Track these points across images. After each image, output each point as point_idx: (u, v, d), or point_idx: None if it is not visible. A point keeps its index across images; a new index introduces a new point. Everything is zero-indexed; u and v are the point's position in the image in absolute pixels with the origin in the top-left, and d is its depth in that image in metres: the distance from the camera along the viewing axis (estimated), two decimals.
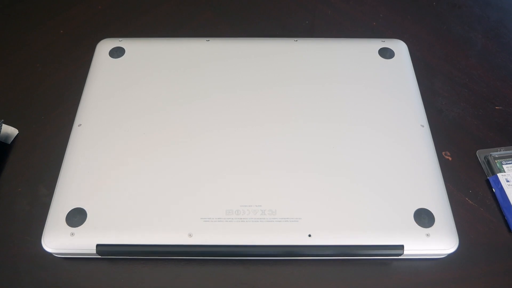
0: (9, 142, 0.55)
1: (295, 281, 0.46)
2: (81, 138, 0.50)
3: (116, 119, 0.52)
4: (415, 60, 0.60)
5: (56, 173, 0.49)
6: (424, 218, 0.45)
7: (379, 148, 0.50)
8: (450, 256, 0.46)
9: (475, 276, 0.47)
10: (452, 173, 0.53)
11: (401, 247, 0.44)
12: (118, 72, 0.56)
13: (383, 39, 0.60)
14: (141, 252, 0.45)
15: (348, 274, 0.46)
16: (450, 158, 0.55)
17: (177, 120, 0.52)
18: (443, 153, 0.55)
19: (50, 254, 0.45)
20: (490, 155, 0.54)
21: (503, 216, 0.50)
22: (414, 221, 0.45)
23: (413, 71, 0.58)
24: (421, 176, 0.48)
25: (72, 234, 0.44)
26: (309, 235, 0.44)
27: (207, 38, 0.60)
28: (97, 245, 0.44)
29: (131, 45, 0.59)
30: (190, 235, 0.44)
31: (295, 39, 0.60)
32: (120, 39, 0.60)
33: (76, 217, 0.45)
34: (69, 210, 0.45)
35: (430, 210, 0.46)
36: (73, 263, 0.47)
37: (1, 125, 0.54)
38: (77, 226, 0.45)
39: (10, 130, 0.56)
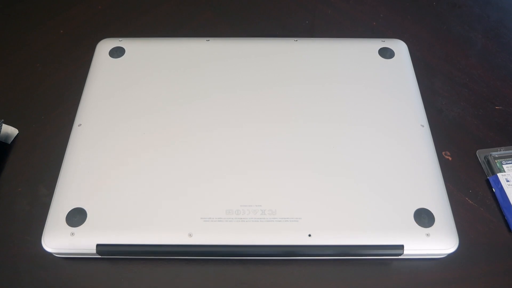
0: (9, 142, 0.55)
1: (295, 281, 0.46)
2: (81, 138, 0.50)
3: (116, 119, 0.52)
4: (415, 60, 0.60)
5: (56, 173, 0.49)
6: (424, 218, 0.45)
7: (379, 148, 0.50)
8: (450, 256, 0.46)
9: (475, 276, 0.47)
10: (452, 173, 0.53)
11: (401, 247, 0.44)
12: (118, 72, 0.56)
13: (383, 39, 0.60)
14: (141, 252, 0.45)
15: (348, 274, 0.46)
16: (450, 158, 0.55)
17: (177, 120, 0.52)
18: (443, 153, 0.55)
19: (50, 254, 0.45)
20: (490, 155, 0.54)
21: (503, 216, 0.50)
22: (414, 221, 0.45)
23: (413, 71, 0.58)
24: (421, 176, 0.48)
25: (72, 234, 0.44)
26: (309, 235, 0.44)
27: (207, 38, 0.60)
28: (97, 245, 0.44)
29: (131, 45, 0.59)
30: (190, 235, 0.44)
31: (295, 39, 0.60)
32: (120, 39, 0.60)
33: (76, 217, 0.45)
34: (69, 210, 0.45)
35: (430, 210, 0.46)
36: (73, 263, 0.47)
37: (1, 125, 0.54)
38: (77, 226, 0.45)
39: (10, 130, 0.56)
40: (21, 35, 0.66)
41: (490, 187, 0.52)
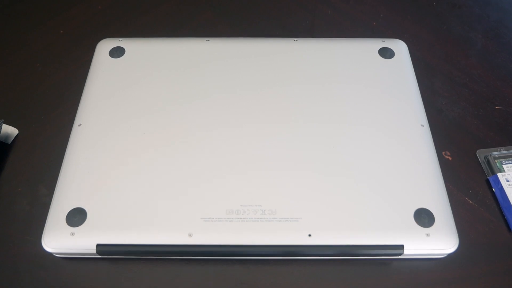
0: (9, 142, 0.55)
1: (295, 281, 0.46)
2: (81, 138, 0.50)
3: (116, 119, 0.52)
4: (415, 60, 0.60)
5: (56, 173, 0.49)
6: (424, 218, 0.45)
7: (379, 148, 0.50)
8: (450, 256, 0.46)
9: (475, 276, 0.47)
10: (452, 173, 0.53)
11: (401, 247, 0.44)
12: (118, 72, 0.56)
13: (383, 39, 0.60)
14: (141, 252, 0.45)
15: (348, 274, 0.46)
16: (450, 158, 0.55)
17: (177, 120, 0.52)
18: (443, 153, 0.55)
19: (50, 254, 0.45)
20: (490, 155, 0.54)
21: (503, 216, 0.50)
22: (414, 221, 0.45)
23: (413, 71, 0.58)
24: (421, 176, 0.48)
25: (72, 234, 0.44)
26: (309, 235, 0.44)
27: (207, 38, 0.60)
28: (97, 245, 0.44)
29: (131, 45, 0.59)
30: (190, 235, 0.44)
31: (295, 39, 0.60)
32: (120, 39, 0.60)
33: (76, 217, 0.45)
34: (69, 210, 0.45)
35: (430, 210, 0.46)
36: (73, 263, 0.47)
37: (1, 125, 0.54)
38: (77, 226, 0.45)
39: (10, 130, 0.56)
40: (21, 35, 0.66)
41: (490, 187, 0.52)
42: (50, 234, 0.45)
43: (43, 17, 0.68)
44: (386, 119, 0.52)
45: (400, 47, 0.60)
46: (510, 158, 0.54)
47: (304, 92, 0.54)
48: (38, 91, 0.60)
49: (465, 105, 0.60)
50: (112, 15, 0.69)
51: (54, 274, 0.46)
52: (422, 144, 0.51)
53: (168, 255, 0.46)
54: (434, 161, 0.50)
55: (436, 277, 0.46)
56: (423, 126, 0.52)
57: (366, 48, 0.59)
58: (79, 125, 0.52)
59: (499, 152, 0.54)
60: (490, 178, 0.53)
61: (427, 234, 0.45)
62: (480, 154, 0.55)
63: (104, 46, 0.59)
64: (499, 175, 0.52)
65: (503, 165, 0.53)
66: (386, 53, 0.58)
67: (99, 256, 0.45)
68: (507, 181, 0.51)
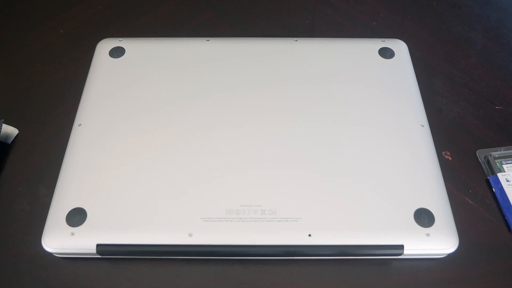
0: (9, 142, 0.55)
1: (295, 281, 0.46)
2: (81, 138, 0.50)
3: (116, 119, 0.52)
4: (415, 60, 0.60)
5: (56, 173, 0.49)
6: (424, 218, 0.45)
7: (379, 148, 0.50)
8: (450, 256, 0.46)
9: (475, 276, 0.47)
10: (452, 173, 0.53)
11: (401, 247, 0.44)
12: (118, 72, 0.56)
13: (383, 39, 0.60)
14: (141, 252, 0.45)
15: (348, 274, 0.46)
16: (450, 158, 0.55)
17: (177, 120, 0.52)
18: (443, 153, 0.55)
19: (50, 254, 0.45)
20: (490, 155, 0.54)
21: (503, 216, 0.50)
22: (414, 221, 0.45)
23: (413, 71, 0.58)
24: (421, 176, 0.48)
25: (72, 234, 0.44)
26: (309, 235, 0.44)
27: (207, 38, 0.60)
28: (97, 245, 0.44)
29: (131, 45, 0.59)
30: (190, 235, 0.44)
31: (295, 39, 0.60)
32: (120, 39, 0.60)
33: (76, 217, 0.45)
34: (69, 210, 0.45)
35: (430, 210, 0.46)
36: (73, 263, 0.47)
37: (1, 125, 0.54)
38: (77, 226, 0.45)
39: (10, 130, 0.56)
40: (21, 35, 0.66)
41: (490, 187, 0.52)
42: (50, 234, 0.45)
43: (43, 17, 0.68)
44: (386, 119, 0.52)
45: (400, 47, 0.60)
46: (510, 158, 0.54)
47: (304, 92, 0.54)
48: (38, 91, 0.60)
49: (465, 105, 0.60)
50: (112, 15, 0.69)
51: (54, 274, 0.46)
52: (422, 144, 0.51)
53: (168, 255, 0.46)
54: (434, 161, 0.50)
55: (436, 277, 0.46)
56: (423, 126, 0.52)
57: (366, 48, 0.59)
58: (79, 125, 0.52)
59: (499, 152, 0.54)
60: (490, 178, 0.53)
61: (427, 234, 0.45)
62: (480, 154, 0.55)
63: (104, 46, 0.59)
64: (499, 175, 0.52)
65: (503, 165, 0.53)
66: (386, 53, 0.58)
67: (99, 256, 0.45)
68: (507, 181, 0.51)
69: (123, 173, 0.48)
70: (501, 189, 0.51)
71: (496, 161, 0.53)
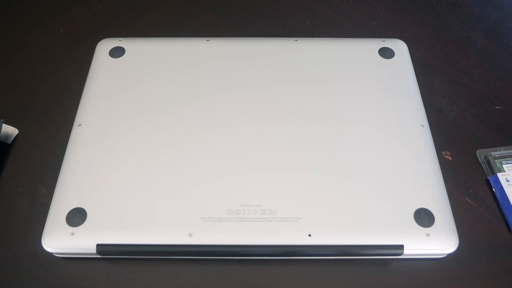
0: (9, 142, 0.55)
1: (295, 281, 0.46)
2: (81, 138, 0.50)
3: (116, 119, 0.52)
4: (415, 60, 0.60)
5: (56, 173, 0.49)
6: (424, 218, 0.45)
7: (379, 148, 0.50)
8: (450, 256, 0.46)
9: (475, 276, 0.47)
10: (452, 173, 0.53)
11: (401, 247, 0.44)
12: (118, 72, 0.56)
13: (383, 39, 0.60)
14: (141, 252, 0.45)
15: (348, 274, 0.46)
16: (450, 158, 0.55)
17: (177, 120, 0.52)
18: (443, 153, 0.55)
19: (50, 254, 0.45)
20: (490, 154, 0.54)
21: (503, 216, 0.50)
22: (414, 221, 0.45)
23: (413, 71, 0.58)
24: (421, 176, 0.48)
25: (72, 234, 0.44)
26: (309, 235, 0.44)
27: (207, 38, 0.60)
28: (97, 245, 0.44)
29: (131, 45, 0.59)
30: (190, 235, 0.44)
31: (295, 39, 0.60)
32: (120, 39, 0.60)
33: (76, 217, 0.45)
34: (69, 210, 0.45)
35: (430, 210, 0.46)
36: (73, 263, 0.47)
37: (1, 125, 0.54)
38: (77, 226, 0.45)
39: (10, 130, 0.56)
40: (21, 35, 0.66)
41: (490, 187, 0.52)
42: (50, 234, 0.45)
43: (43, 17, 0.68)
44: (386, 119, 0.52)
45: (400, 47, 0.60)
46: (510, 158, 0.54)
47: (304, 92, 0.54)
48: (38, 91, 0.60)
49: (465, 105, 0.60)
50: (112, 15, 0.69)
51: (54, 274, 0.46)
52: (422, 144, 0.51)
53: (168, 255, 0.46)
54: (434, 161, 0.50)
55: (436, 277, 0.46)
56: (423, 126, 0.52)
57: (366, 48, 0.59)
58: (79, 125, 0.52)
59: (499, 152, 0.54)
60: (490, 178, 0.53)
61: (427, 234, 0.45)
62: (480, 154, 0.55)
63: (104, 46, 0.59)
64: (499, 175, 0.52)
65: (503, 165, 0.53)
66: (386, 53, 0.58)
67: (99, 256, 0.45)
68: (507, 181, 0.51)
69: (123, 173, 0.48)
70: (501, 189, 0.51)
71: (496, 161, 0.53)
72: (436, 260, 0.47)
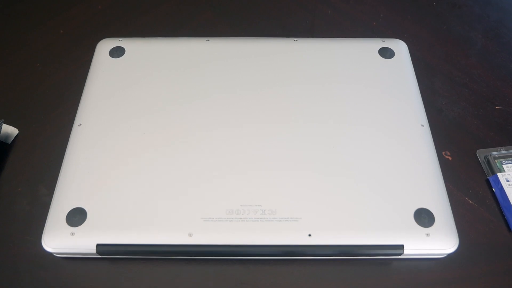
0: (9, 141, 0.55)
1: (295, 281, 0.46)
2: (81, 138, 0.50)
3: (116, 119, 0.52)
4: (415, 60, 0.60)
5: (56, 173, 0.49)
6: (424, 218, 0.45)
7: (379, 148, 0.50)
8: (450, 256, 0.46)
9: (475, 276, 0.47)
10: (452, 173, 0.53)
11: (401, 247, 0.44)
12: (118, 72, 0.56)
13: (383, 39, 0.60)
14: (141, 252, 0.45)
15: (348, 274, 0.46)
16: (450, 158, 0.55)
17: (177, 120, 0.52)
18: (443, 153, 0.55)
19: (50, 254, 0.45)
20: (490, 154, 0.54)
21: (503, 216, 0.50)
22: (414, 221, 0.45)
23: (413, 71, 0.58)
24: (421, 176, 0.48)
25: (72, 233, 0.44)
26: (309, 235, 0.44)
27: (207, 38, 0.60)
28: (97, 245, 0.44)
29: (131, 45, 0.59)
30: (190, 235, 0.44)
31: (295, 39, 0.60)
32: (120, 39, 0.60)
33: (76, 216, 0.45)
34: (69, 210, 0.45)
35: (430, 210, 0.46)
36: (73, 263, 0.47)
37: (1, 125, 0.54)
38: (77, 226, 0.45)
39: (10, 130, 0.56)
40: (21, 35, 0.66)
41: (490, 187, 0.52)
42: (50, 234, 0.45)
43: (43, 17, 0.68)
44: (386, 119, 0.52)
45: (400, 47, 0.60)
46: (510, 158, 0.54)
47: (304, 92, 0.54)
48: (38, 91, 0.60)
49: (465, 105, 0.60)
50: (112, 15, 0.69)
51: (54, 274, 0.46)
52: (422, 144, 0.51)
53: (168, 255, 0.46)
54: (434, 161, 0.50)
55: (436, 277, 0.46)
56: (423, 126, 0.52)
57: (366, 48, 0.59)
58: (79, 125, 0.52)
59: (499, 152, 0.54)
60: (490, 178, 0.53)
61: (427, 234, 0.45)
62: (480, 154, 0.55)
63: (104, 46, 0.59)
64: (499, 175, 0.52)
65: (503, 165, 0.53)
66: (386, 53, 0.58)
67: (99, 256, 0.45)
68: (507, 181, 0.51)
69: (123, 173, 0.48)
70: (501, 189, 0.51)
71: (496, 161, 0.53)
72: (436, 260, 0.47)
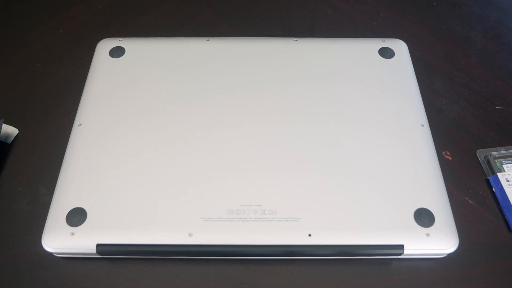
0: (9, 141, 0.55)
1: (295, 281, 0.46)
2: (81, 138, 0.50)
3: (116, 119, 0.52)
4: (415, 60, 0.60)
5: (56, 173, 0.49)
6: (424, 217, 0.45)
7: (379, 148, 0.50)
8: (450, 256, 0.46)
9: (475, 276, 0.47)
10: (452, 173, 0.53)
11: (401, 246, 0.44)
12: (118, 72, 0.56)
13: (383, 39, 0.60)
14: (141, 252, 0.45)
15: (348, 274, 0.46)
16: (450, 158, 0.55)
17: (177, 120, 0.52)
18: (443, 152, 0.55)
19: (50, 254, 0.45)
20: (490, 154, 0.54)
21: (503, 216, 0.50)
22: (414, 220, 0.45)
23: (413, 70, 0.58)
24: (421, 176, 0.48)
25: (72, 233, 0.44)
26: (309, 235, 0.44)
27: (207, 38, 0.60)
28: (97, 245, 0.44)
29: (131, 45, 0.59)
30: (190, 234, 0.44)
31: (295, 39, 0.60)
32: (120, 39, 0.60)
33: (76, 216, 0.45)
34: (69, 209, 0.45)
35: (430, 210, 0.46)
36: (73, 263, 0.47)
37: (1, 125, 0.54)
38: (77, 226, 0.45)
39: (10, 130, 0.56)
40: (21, 35, 0.66)
41: (490, 187, 0.52)
42: (50, 234, 0.45)
43: (43, 17, 0.68)
44: (386, 119, 0.52)
45: (400, 47, 0.60)
46: (510, 158, 0.54)
47: (304, 92, 0.54)
48: (38, 91, 0.60)
49: (465, 105, 0.60)
50: (112, 15, 0.69)
51: (54, 274, 0.46)
52: (422, 144, 0.51)
53: (168, 255, 0.46)
54: (434, 161, 0.50)
55: (436, 277, 0.46)
56: (423, 126, 0.52)
57: (366, 48, 0.59)
58: (79, 125, 0.52)
59: (499, 152, 0.54)
60: (490, 178, 0.53)
61: (427, 234, 0.45)
62: (480, 154, 0.55)
63: (104, 46, 0.59)
64: (499, 175, 0.52)
65: (503, 165, 0.53)
66: (386, 53, 0.58)
67: (99, 256, 0.45)
68: (507, 181, 0.51)
69: (123, 173, 0.48)
70: (501, 189, 0.51)
71: (496, 161, 0.53)
72: (436, 260, 0.47)
